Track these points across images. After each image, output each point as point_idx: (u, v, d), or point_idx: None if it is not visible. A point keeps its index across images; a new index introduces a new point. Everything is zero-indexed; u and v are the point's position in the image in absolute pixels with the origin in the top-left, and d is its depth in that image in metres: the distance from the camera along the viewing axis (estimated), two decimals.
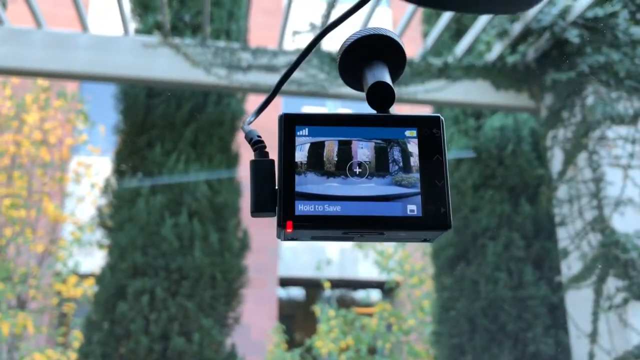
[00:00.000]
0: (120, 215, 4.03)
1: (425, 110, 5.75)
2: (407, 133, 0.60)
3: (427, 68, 4.11)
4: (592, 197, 3.63)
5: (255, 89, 3.99)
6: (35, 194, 5.92)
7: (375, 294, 9.59)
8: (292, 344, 6.59)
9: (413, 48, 4.93)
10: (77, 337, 4.91)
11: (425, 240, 0.61)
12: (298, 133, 0.60)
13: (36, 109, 6.08)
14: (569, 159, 3.81)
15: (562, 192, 3.86)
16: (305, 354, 6.22)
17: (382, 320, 6.13)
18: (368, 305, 8.39)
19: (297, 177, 0.58)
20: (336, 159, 0.59)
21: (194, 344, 3.77)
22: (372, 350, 6.40)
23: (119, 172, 4.24)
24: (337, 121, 0.61)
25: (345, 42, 0.65)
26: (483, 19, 3.91)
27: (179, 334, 3.79)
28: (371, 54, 0.65)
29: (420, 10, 5.04)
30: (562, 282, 3.83)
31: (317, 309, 6.42)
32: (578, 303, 3.66)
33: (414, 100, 4.10)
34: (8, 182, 5.84)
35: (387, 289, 7.23)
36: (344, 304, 8.85)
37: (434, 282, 4.82)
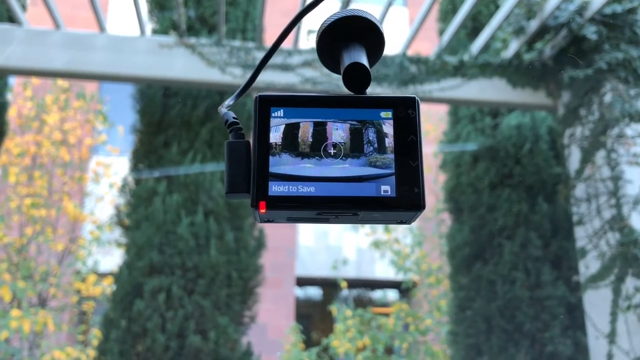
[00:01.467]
0: (138, 214, 4.07)
1: (441, 109, 5.72)
2: (383, 114, 0.60)
3: (443, 66, 4.09)
4: (610, 195, 3.58)
5: (271, 88, 4.01)
6: (56, 193, 6.00)
7: (392, 294, 9.56)
8: (309, 343, 6.59)
9: (429, 46, 4.91)
10: (96, 335, 4.97)
11: (401, 222, 0.60)
12: (273, 114, 0.60)
13: (56, 110, 6.17)
14: (587, 157, 3.76)
15: (580, 190, 3.82)
16: (322, 354, 6.23)
17: (399, 320, 6.11)
18: (385, 305, 8.37)
19: (271, 158, 0.58)
20: (311, 140, 0.59)
21: (210, 342, 3.80)
22: (389, 350, 6.39)
23: (136, 172, 4.28)
24: (313, 102, 0.61)
25: (323, 23, 0.65)
26: (499, 16, 3.88)
27: (195, 332, 3.82)
28: (349, 36, 0.65)
29: (436, 9, 5.02)
30: (580, 281, 3.78)
31: (334, 308, 6.41)
32: (596, 303, 3.62)
33: (429, 98, 4.08)
34: (29, 181, 5.92)
35: (404, 289, 7.20)
36: (361, 303, 8.84)
37: (451, 281, 4.79)
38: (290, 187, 0.57)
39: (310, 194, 0.57)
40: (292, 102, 0.61)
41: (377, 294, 9.61)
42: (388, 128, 0.60)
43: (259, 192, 0.57)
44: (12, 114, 5.87)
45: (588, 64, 3.78)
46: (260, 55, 4.02)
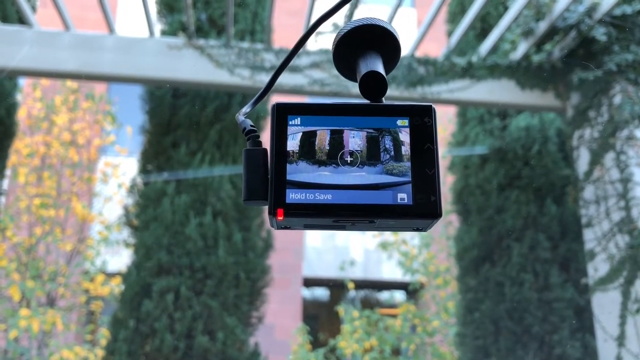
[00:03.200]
0: (146, 215, 4.09)
1: (450, 110, 5.71)
2: (399, 122, 0.61)
3: (451, 67, 4.08)
4: (619, 197, 3.56)
5: (279, 89, 4.01)
6: (64, 193, 6.03)
7: (399, 295, 9.55)
8: (316, 344, 6.60)
9: (437, 47, 4.90)
10: (104, 334, 4.99)
11: (417, 230, 0.61)
12: (290, 122, 0.61)
13: (65, 111, 6.20)
14: (596, 159, 3.75)
15: (588, 192, 3.80)
16: (329, 354, 6.23)
17: (406, 321, 6.10)
18: (392, 306, 8.36)
19: (288, 166, 0.59)
20: (328, 148, 0.60)
21: (217, 342, 3.81)
22: (396, 352, 6.38)
23: (144, 172, 4.30)
24: (329, 110, 0.61)
25: (339, 32, 0.65)
26: (508, 18, 3.87)
27: (203, 332, 3.83)
28: (365, 44, 0.65)
29: (445, 10, 5.01)
30: (589, 284, 3.77)
31: (341, 309, 6.41)
32: (605, 306, 3.60)
33: (437, 100, 4.08)
34: (38, 182, 5.96)
35: (412, 290, 7.19)
36: (368, 304, 8.83)
37: (458, 283, 4.78)
38: (308, 194, 0.58)
39: (327, 201, 0.58)
40: (309, 110, 0.61)
41: (384, 295, 9.61)
42: (404, 136, 0.60)
43: (276, 199, 0.58)
44: (21, 114, 5.91)
45: (597, 66, 3.76)
46: (268, 56, 4.03)
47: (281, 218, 0.58)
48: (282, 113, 0.61)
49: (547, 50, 4.04)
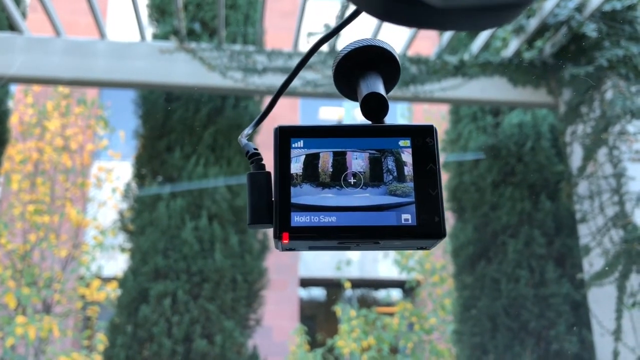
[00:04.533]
0: (142, 219, 4.08)
1: (443, 108, 5.72)
2: (401, 143, 0.61)
3: (443, 66, 4.09)
4: (613, 192, 3.59)
5: (271, 92, 4.01)
6: (58, 199, 6.01)
7: (395, 294, 9.57)
8: (314, 344, 6.60)
9: (429, 46, 4.91)
10: (101, 340, 4.97)
11: (421, 248, 0.61)
12: (293, 145, 0.61)
13: (57, 116, 6.17)
14: (589, 154, 3.77)
15: (582, 188, 3.82)
16: (327, 354, 6.23)
17: (404, 319, 6.12)
18: (389, 304, 8.37)
19: (292, 189, 0.59)
20: (331, 170, 0.60)
21: (216, 346, 3.80)
22: (394, 350, 6.39)
23: (139, 177, 4.29)
24: (332, 132, 0.62)
25: (339, 53, 0.66)
26: None
27: (201, 336, 3.82)
28: (365, 65, 0.66)
29: None
30: (585, 279, 3.79)
31: (338, 309, 6.42)
32: (601, 300, 3.62)
33: (430, 98, 4.09)
34: (31, 188, 5.93)
35: (408, 288, 7.21)
36: (365, 303, 8.85)
37: (455, 280, 4.80)
38: (312, 217, 0.58)
39: (332, 224, 0.58)
40: (312, 132, 0.62)
41: (381, 294, 9.62)
42: (407, 156, 0.60)
43: (281, 223, 0.58)
44: (13, 121, 5.88)
45: (588, 61, 3.78)
46: (260, 58, 4.02)
47: (286, 242, 0.58)
48: (285, 136, 0.62)
49: (539, 47, 4.06)
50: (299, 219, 0.58)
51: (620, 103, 3.60)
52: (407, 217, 0.58)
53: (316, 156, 0.61)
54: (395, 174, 0.60)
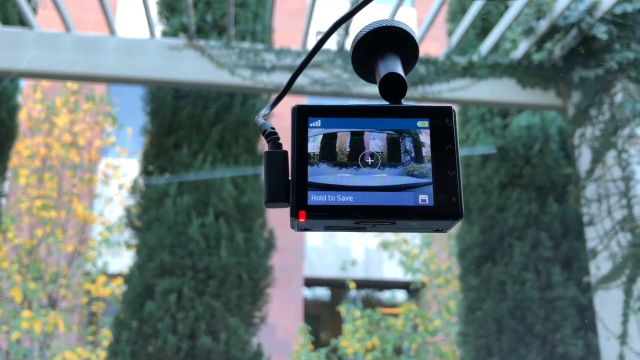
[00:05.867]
0: (148, 216, 4.09)
1: None
2: (419, 124, 0.61)
3: (452, 67, 4.08)
4: (621, 196, 3.57)
5: (280, 90, 4.00)
6: (65, 195, 6.03)
7: (400, 295, 9.55)
8: (317, 344, 6.60)
9: (438, 47, 4.90)
10: (106, 335, 4.99)
11: (438, 231, 0.61)
12: (311, 124, 0.61)
13: (66, 112, 6.20)
14: (598, 157, 3.75)
15: (590, 191, 3.80)
16: (331, 354, 6.23)
17: (408, 320, 6.11)
18: (393, 305, 8.36)
19: (309, 168, 0.59)
20: (348, 150, 0.60)
21: (220, 342, 3.81)
22: (398, 351, 6.38)
23: (146, 173, 4.30)
24: (350, 112, 0.61)
25: (357, 34, 0.66)
26: (508, 17, 3.88)
27: (206, 333, 3.83)
28: (383, 46, 0.66)
29: (445, 9, 5.01)
30: (591, 282, 3.77)
31: (342, 309, 6.41)
32: (607, 304, 3.60)
33: (438, 99, 4.08)
34: (39, 183, 5.96)
35: (413, 290, 7.19)
36: (369, 304, 8.84)
37: (460, 282, 4.78)
38: (329, 196, 0.58)
39: (349, 203, 0.58)
40: (330, 112, 0.61)
41: (385, 295, 9.61)
42: (425, 137, 0.60)
43: (298, 201, 0.58)
44: (22, 116, 5.90)
45: (598, 64, 3.76)
46: (269, 57, 4.03)
47: (303, 220, 0.58)
48: (303, 115, 0.61)
49: (548, 48, 4.04)
50: (315, 198, 0.58)
51: (630, 106, 3.58)
52: (424, 198, 0.58)
53: (334, 136, 0.60)
54: (413, 154, 0.59)
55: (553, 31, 3.93)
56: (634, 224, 3.47)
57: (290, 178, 0.59)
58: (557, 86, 4.08)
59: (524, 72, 4.08)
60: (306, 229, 0.60)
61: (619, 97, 3.67)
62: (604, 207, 3.68)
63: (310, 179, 0.59)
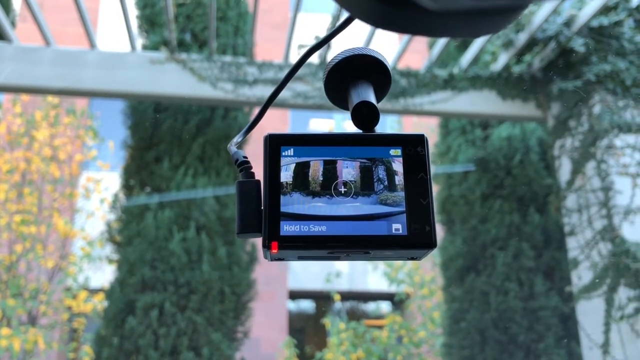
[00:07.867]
0: (129, 230, 4.05)
1: (432, 121, 5.74)
2: (392, 152, 0.60)
3: (433, 79, 4.11)
4: (601, 206, 3.60)
5: (262, 103, 4.00)
6: (46, 209, 5.96)
7: (385, 306, 9.55)
8: (302, 357, 6.56)
9: (418, 59, 4.94)
10: (87, 352, 4.92)
11: (412, 259, 0.60)
12: (283, 153, 0.60)
13: (46, 126, 6.14)
14: (577, 168, 3.79)
15: (571, 201, 3.84)
16: None
17: (393, 332, 6.10)
18: (378, 317, 8.35)
19: (282, 198, 0.58)
20: (322, 179, 0.59)
21: (203, 358, 3.77)
22: None
23: (127, 187, 4.26)
24: (322, 141, 0.61)
25: (330, 61, 0.65)
26: None
27: (188, 348, 3.79)
28: (356, 74, 0.65)
29: None
30: (573, 292, 3.80)
31: (327, 321, 6.39)
32: (589, 313, 3.63)
33: (420, 111, 4.10)
34: (18, 198, 5.88)
35: (397, 301, 7.19)
36: (354, 316, 8.82)
37: (444, 293, 4.79)
38: (302, 226, 0.57)
39: (322, 233, 0.57)
40: (302, 141, 0.61)
41: (370, 307, 9.60)
42: (398, 166, 0.60)
43: (270, 232, 0.57)
44: (1, 130, 5.84)
45: (576, 76, 3.81)
46: (251, 70, 4.03)
47: (275, 251, 0.57)
48: (275, 144, 0.61)
49: (527, 61, 4.09)
50: (288, 228, 0.57)
51: (608, 117, 3.63)
52: (397, 227, 0.58)
53: (306, 165, 0.60)
54: (386, 183, 0.59)
55: (532, 44, 3.98)
56: (614, 234, 3.51)
57: (262, 208, 0.59)
58: (536, 98, 4.12)
59: (504, 84, 4.12)
60: (279, 259, 0.59)
61: (597, 109, 3.72)
62: (585, 217, 3.71)
63: (283, 208, 0.58)
